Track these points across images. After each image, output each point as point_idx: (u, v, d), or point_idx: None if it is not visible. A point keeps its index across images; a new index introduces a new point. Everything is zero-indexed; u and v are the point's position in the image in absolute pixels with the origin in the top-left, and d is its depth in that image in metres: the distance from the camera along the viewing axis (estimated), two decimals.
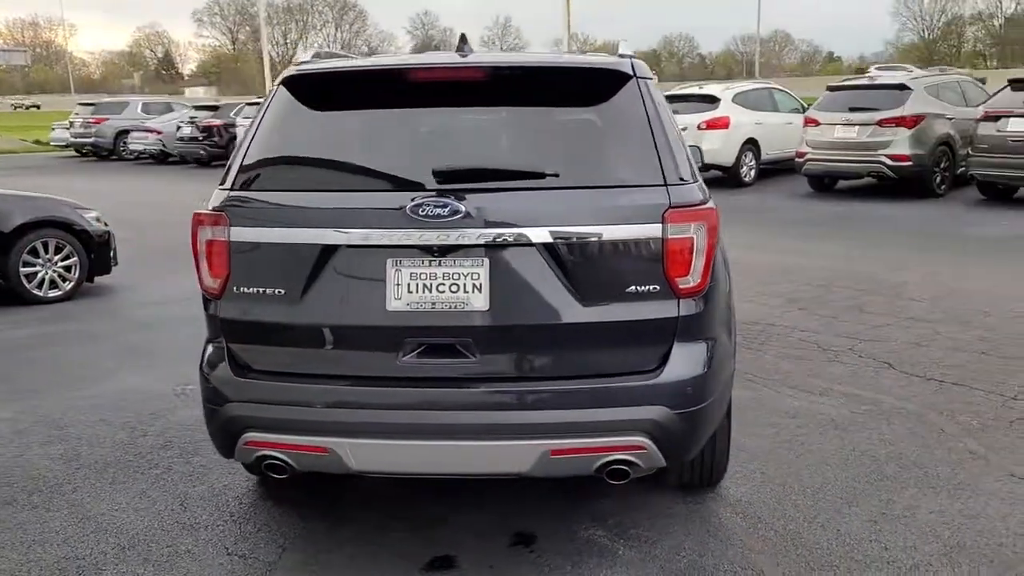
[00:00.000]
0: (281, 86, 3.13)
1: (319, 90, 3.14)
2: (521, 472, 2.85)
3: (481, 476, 3.05)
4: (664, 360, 2.88)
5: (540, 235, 2.77)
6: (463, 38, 3.32)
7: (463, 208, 2.76)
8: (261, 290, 2.91)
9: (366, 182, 2.94)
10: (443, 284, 2.79)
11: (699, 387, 2.89)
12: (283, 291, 2.88)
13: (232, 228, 2.92)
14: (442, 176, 2.85)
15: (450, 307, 2.79)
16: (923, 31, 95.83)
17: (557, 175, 2.87)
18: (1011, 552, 3.20)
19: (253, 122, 3.13)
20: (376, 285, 2.82)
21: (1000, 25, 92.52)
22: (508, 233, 2.76)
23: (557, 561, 3.19)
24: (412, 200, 2.78)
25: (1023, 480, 3.77)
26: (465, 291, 2.78)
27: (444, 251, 2.78)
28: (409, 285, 2.80)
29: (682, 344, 2.89)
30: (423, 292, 2.79)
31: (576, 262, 2.79)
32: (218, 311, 3.00)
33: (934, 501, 3.60)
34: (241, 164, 3.01)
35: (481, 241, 2.76)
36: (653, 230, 2.80)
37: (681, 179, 2.88)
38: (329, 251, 2.84)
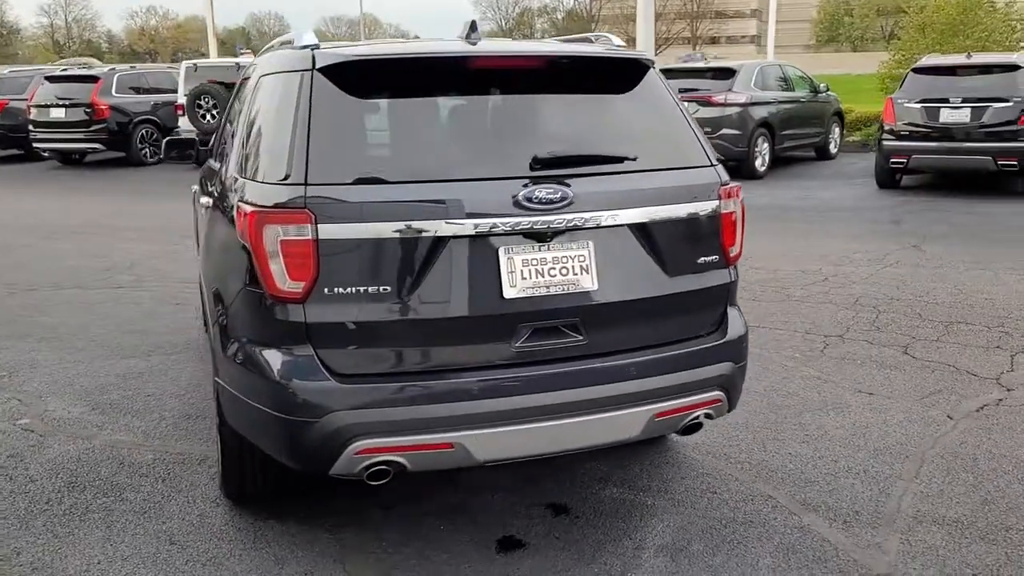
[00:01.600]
0: (318, 73, 2.89)
1: (373, 79, 2.97)
2: (631, 437, 3.04)
3: (597, 447, 3.16)
4: (722, 321, 3.24)
5: (634, 215, 2.96)
6: (473, 25, 3.31)
7: (571, 193, 2.85)
8: (361, 289, 2.73)
9: (466, 171, 2.87)
10: (554, 268, 2.86)
11: (746, 342, 3.31)
12: (388, 288, 2.74)
13: (320, 225, 2.69)
14: (541, 163, 2.90)
15: (563, 289, 2.87)
16: (501, 20, 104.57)
17: (636, 159, 3.07)
18: (913, 447, 4.06)
19: (293, 112, 2.86)
20: (490, 273, 2.81)
21: (562, 18, 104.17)
22: (609, 215, 2.91)
23: (608, 522, 3.40)
24: (524, 187, 2.81)
25: (870, 393, 4.73)
26: (575, 273, 2.88)
27: (554, 235, 2.85)
28: (523, 271, 2.83)
29: (731, 307, 3.28)
30: (536, 277, 2.84)
31: (662, 238, 3.03)
32: (300, 316, 2.74)
33: (830, 420, 4.40)
34: (307, 157, 2.76)
35: (588, 224, 2.88)
36: (713, 206, 3.13)
37: (718, 159, 3.25)
38: (439, 243, 2.76)
